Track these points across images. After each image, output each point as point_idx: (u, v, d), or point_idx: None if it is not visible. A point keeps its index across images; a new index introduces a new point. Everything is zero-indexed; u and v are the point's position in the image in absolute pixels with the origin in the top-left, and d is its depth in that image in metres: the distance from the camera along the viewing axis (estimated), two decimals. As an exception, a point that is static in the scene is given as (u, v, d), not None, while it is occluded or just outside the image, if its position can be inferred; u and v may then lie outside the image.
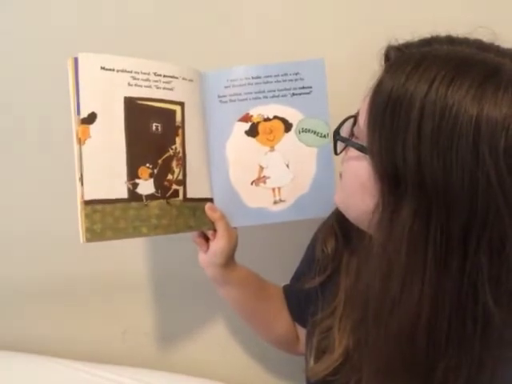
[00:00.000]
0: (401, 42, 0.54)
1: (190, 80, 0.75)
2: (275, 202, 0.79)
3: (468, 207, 0.46)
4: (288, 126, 0.78)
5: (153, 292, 0.76)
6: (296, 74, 0.78)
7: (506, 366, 0.50)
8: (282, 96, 0.78)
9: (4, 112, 0.95)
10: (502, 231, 0.46)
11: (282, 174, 0.79)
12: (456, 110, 0.45)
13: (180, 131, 0.74)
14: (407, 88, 0.48)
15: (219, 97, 0.78)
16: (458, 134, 0.45)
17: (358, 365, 0.59)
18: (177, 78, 0.73)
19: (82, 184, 0.65)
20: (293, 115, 0.78)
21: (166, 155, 0.72)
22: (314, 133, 0.78)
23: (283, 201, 0.79)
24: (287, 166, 0.79)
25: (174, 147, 0.73)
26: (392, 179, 0.50)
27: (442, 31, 0.53)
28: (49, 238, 0.97)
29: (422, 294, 0.49)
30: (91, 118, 0.67)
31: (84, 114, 0.66)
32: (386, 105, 0.49)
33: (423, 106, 0.46)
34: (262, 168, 0.79)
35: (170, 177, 0.73)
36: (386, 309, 0.52)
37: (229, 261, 0.77)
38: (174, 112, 0.73)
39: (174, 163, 0.73)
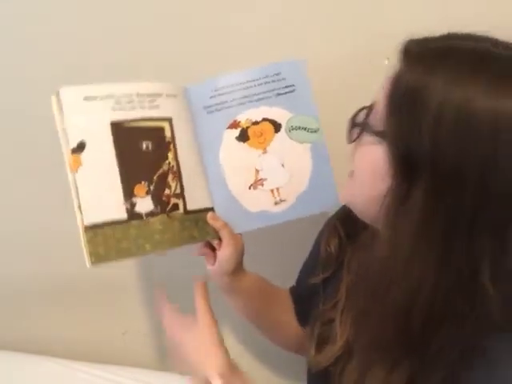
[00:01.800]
0: (420, 36, 0.55)
1: (174, 95, 0.76)
2: (276, 203, 0.79)
3: (479, 192, 0.47)
4: (277, 127, 0.78)
5: (153, 293, 0.78)
6: (277, 75, 0.78)
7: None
8: (268, 98, 0.78)
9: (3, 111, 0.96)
10: (508, 216, 0.48)
11: (278, 175, 0.79)
12: (475, 102, 0.47)
13: (171, 146, 0.75)
14: (428, 79, 0.49)
15: (205, 108, 0.79)
16: (477, 125, 0.46)
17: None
18: (161, 95, 0.75)
19: (81, 211, 0.67)
20: (281, 115, 0.78)
21: (160, 171, 0.74)
22: (305, 129, 0.78)
23: (284, 200, 0.79)
24: (282, 165, 0.79)
25: (167, 162, 0.74)
26: (406, 163, 0.51)
27: (440, 30, 0.55)
28: (49, 238, 0.98)
29: (424, 272, 0.50)
30: (80, 147, 0.69)
31: (73, 144, 0.68)
32: (405, 93, 0.51)
33: (443, 96, 0.48)
34: (257, 171, 0.79)
35: (167, 191, 0.74)
36: (384, 286, 0.52)
37: (238, 268, 0.77)
38: (162, 128, 0.75)
39: (170, 177, 0.74)
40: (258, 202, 0.79)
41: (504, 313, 0.49)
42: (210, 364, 0.63)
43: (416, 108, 0.49)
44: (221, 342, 0.66)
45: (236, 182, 0.79)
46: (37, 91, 0.82)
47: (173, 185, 0.74)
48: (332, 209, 0.80)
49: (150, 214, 0.72)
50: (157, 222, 0.72)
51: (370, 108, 0.59)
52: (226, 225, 0.76)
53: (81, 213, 0.67)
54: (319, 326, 0.73)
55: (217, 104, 0.79)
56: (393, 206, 0.53)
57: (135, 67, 0.91)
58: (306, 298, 0.79)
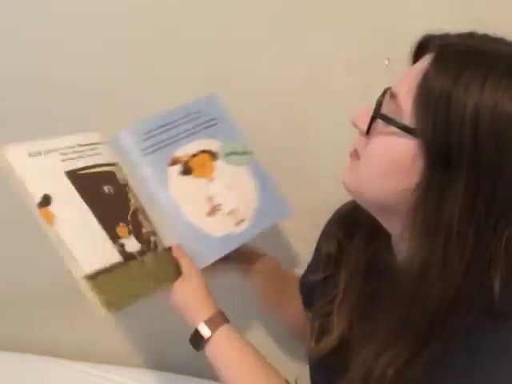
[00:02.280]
0: (438, 32, 0.57)
1: (109, 142, 0.74)
2: (236, 224, 0.79)
3: None
4: (214, 155, 0.81)
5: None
6: (198, 112, 0.82)
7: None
8: (197, 132, 0.81)
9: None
10: None
11: (229, 198, 0.80)
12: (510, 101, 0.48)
13: (128, 188, 0.71)
14: (462, 80, 0.49)
15: (142, 150, 0.77)
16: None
17: (356, 345, 0.62)
18: (100, 143, 0.72)
19: (78, 261, 0.58)
20: (213, 145, 0.82)
21: (131, 211, 0.69)
22: (236, 153, 0.83)
23: (242, 220, 0.80)
24: (230, 189, 0.81)
25: (132, 203, 0.70)
26: (443, 159, 0.50)
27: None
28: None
29: (459, 266, 0.51)
30: (46, 200, 0.61)
31: (37, 198, 0.60)
32: (441, 93, 0.50)
33: (479, 98, 0.48)
34: (210, 198, 0.79)
35: (144, 230, 0.69)
36: (422, 284, 0.53)
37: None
38: (113, 173, 0.71)
39: (141, 217, 0.70)
40: (220, 227, 0.78)
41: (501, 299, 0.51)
42: (198, 314, 0.67)
43: (454, 109, 0.49)
44: (208, 293, 0.69)
45: (194, 213, 0.77)
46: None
47: (145, 223, 0.70)
48: (289, 215, 0.83)
49: (141, 253, 0.66)
50: (149, 260, 0.67)
51: (387, 96, 0.57)
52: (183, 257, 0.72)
53: (78, 263, 0.58)
54: (319, 318, 0.74)
55: (152, 145, 0.77)
56: (427, 202, 0.52)
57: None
58: (309, 293, 0.80)
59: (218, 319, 0.68)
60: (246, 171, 0.82)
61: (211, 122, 0.82)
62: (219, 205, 0.79)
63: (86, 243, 0.61)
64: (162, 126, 0.79)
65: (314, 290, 0.78)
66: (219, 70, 0.89)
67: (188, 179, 0.78)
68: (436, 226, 0.51)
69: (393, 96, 0.56)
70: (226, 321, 0.69)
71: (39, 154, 0.64)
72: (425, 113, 0.51)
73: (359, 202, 0.63)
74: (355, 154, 0.61)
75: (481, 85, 0.49)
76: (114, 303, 0.59)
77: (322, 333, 0.72)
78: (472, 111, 0.48)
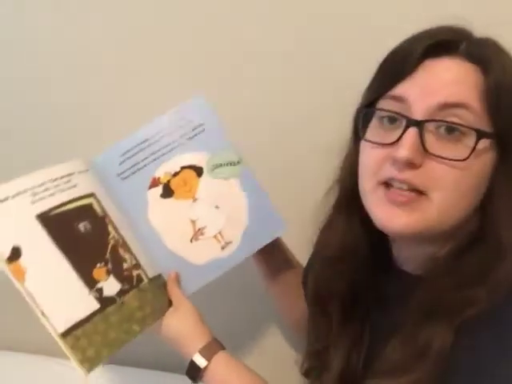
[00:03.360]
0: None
1: (86, 170, 0.70)
2: (223, 248, 0.74)
3: None
4: (199, 171, 0.75)
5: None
6: (182, 120, 0.75)
7: None
8: (180, 145, 0.74)
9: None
10: None
11: (215, 219, 0.74)
12: None
13: (107, 219, 0.68)
14: None
15: (119, 175, 0.73)
16: None
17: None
18: (72, 173, 0.68)
19: (48, 319, 0.57)
20: (198, 158, 0.75)
21: (110, 247, 0.66)
22: (227, 164, 0.75)
23: (230, 242, 0.74)
24: (217, 207, 0.75)
25: (111, 236, 0.67)
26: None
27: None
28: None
29: None
30: (16, 253, 0.59)
31: (6, 253, 0.58)
32: (506, 91, 0.53)
33: None
34: (193, 222, 0.74)
35: (125, 265, 0.67)
36: None
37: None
38: (90, 205, 0.68)
39: (121, 251, 0.67)
40: (204, 253, 0.74)
41: None
42: (192, 343, 0.66)
43: None
44: (201, 321, 0.68)
45: (175, 240, 0.73)
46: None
47: (127, 257, 0.67)
48: (281, 233, 0.78)
49: (121, 294, 0.64)
50: (131, 300, 0.64)
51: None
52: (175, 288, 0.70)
53: (48, 321, 0.57)
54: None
55: (129, 168, 0.73)
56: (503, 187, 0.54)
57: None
58: None
59: (213, 347, 0.66)
60: (236, 184, 0.75)
61: (197, 130, 0.75)
62: (204, 228, 0.74)
63: (59, 297, 0.59)
64: (142, 142, 0.74)
65: None
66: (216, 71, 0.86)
67: (169, 202, 0.74)
68: None
69: (453, 106, 0.53)
70: (221, 347, 0.67)
71: (6, 199, 0.61)
72: (503, 114, 0.53)
73: (418, 238, 0.57)
74: (413, 193, 0.54)
75: None
76: (90, 359, 0.58)
77: (318, 368, 0.68)
78: None
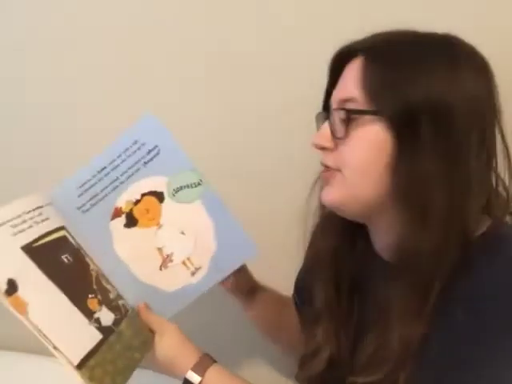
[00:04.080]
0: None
1: (50, 203, 0.67)
2: (193, 273, 0.74)
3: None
4: (160, 196, 0.73)
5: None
6: (136, 143, 0.72)
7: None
8: (137, 171, 0.72)
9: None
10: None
11: (182, 245, 0.73)
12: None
13: (82, 251, 0.66)
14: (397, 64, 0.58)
15: (79, 208, 0.71)
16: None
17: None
18: (42, 206, 0.65)
19: (61, 352, 0.53)
20: (158, 183, 0.73)
21: (94, 279, 0.64)
22: (188, 187, 0.73)
23: (199, 268, 0.74)
24: (183, 233, 0.73)
25: (91, 268, 0.66)
26: (408, 120, 0.56)
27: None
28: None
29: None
30: (13, 286, 0.54)
31: (3, 286, 0.53)
32: (390, 67, 0.58)
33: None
34: (160, 249, 0.73)
35: (111, 296, 0.65)
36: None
37: (252, 287, 0.81)
38: (65, 237, 0.65)
39: (104, 282, 0.66)
40: (174, 280, 0.73)
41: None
42: (184, 363, 0.66)
43: (402, 85, 0.57)
44: (187, 341, 0.68)
45: (143, 269, 0.72)
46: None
47: (109, 288, 0.66)
48: (254, 255, 0.76)
49: (116, 323, 0.62)
50: (125, 329, 0.63)
51: (334, 109, 0.62)
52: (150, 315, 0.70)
53: (62, 354, 0.53)
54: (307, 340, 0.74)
55: (88, 200, 0.71)
56: (404, 166, 0.56)
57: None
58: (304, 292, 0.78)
59: (205, 362, 0.67)
60: (200, 207, 0.73)
61: (152, 153, 0.72)
62: (171, 254, 0.74)
63: (66, 329, 0.56)
64: (99, 171, 0.71)
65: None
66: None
67: (134, 231, 0.73)
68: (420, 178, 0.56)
69: (344, 101, 0.61)
70: (213, 361, 0.68)
71: (-13, 233, 0.56)
72: (380, 90, 0.58)
73: (349, 213, 0.64)
74: (330, 171, 0.62)
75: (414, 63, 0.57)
76: (111, 387, 0.55)
77: (310, 354, 0.71)
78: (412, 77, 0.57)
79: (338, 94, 0.63)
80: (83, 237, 0.69)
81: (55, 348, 0.53)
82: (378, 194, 0.59)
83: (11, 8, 0.92)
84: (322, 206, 0.71)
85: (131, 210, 0.73)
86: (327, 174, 0.63)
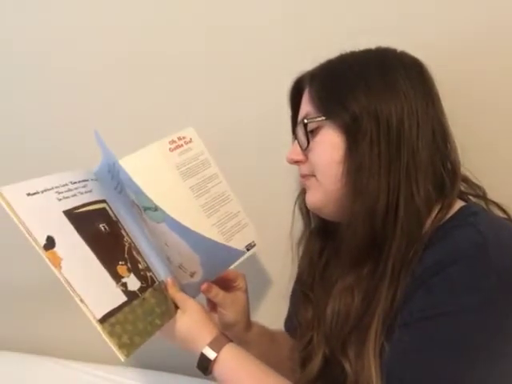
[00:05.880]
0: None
1: (96, 179, 0.74)
2: (191, 275, 0.76)
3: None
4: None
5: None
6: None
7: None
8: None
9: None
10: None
11: (170, 254, 0.74)
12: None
13: (119, 224, 0.72)
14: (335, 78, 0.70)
15: (115, 188, 0.75)
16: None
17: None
18: (87, 180, 0.71)
19: (87, 305, 0.58)
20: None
21: (126, 249, 0.69)
22: (149, 209, 0.70)
23: (194, 272, 0.76)
24: (166, 245, 0.73)
25: (125, 240, 0.71)
26: (351, 127, 0.66)
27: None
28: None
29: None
30: (51, 242, 0.60)
31: (42, 241, 0.59)
32: (328, 84, 0.70)
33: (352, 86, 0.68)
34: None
35: (140, 266, 0.70)
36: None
37: (244, 323, 0.82)
38: (104, 209, 0.71)
39: (135, 253, 0.71)
40: (180, 277, 0.77)
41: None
42: (201, 339, 0.70)
43: (346, 86, 0.68)
44: (208, 319, 0.72)
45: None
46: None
47: (140, 259, 0.71)
48: (241, 257, 0.80)
49: (142, 290, 0.67)
50: (149, 297, 0.68)
51: (297, 119, 0.74)
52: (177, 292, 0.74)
53: (87, 307, 0.58)
54: (301, 347, 0.79)
55: (117, 185, 0.74)
56: (353, 155, 0.66)
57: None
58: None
59: (221, 340, 0.70)
60: (167, 228, 0.70)
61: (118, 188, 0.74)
62: (169, 257, 0.75)
63: (93, 286, 0.61)
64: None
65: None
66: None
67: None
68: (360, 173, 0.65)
69: (302, 119, 0.71)
70: (229, 340, 0.71)
71: (36, 193, 0.63)
72: (325, 105, 0.69)
73: (328, 213, 0.73)
74: (306, 177, 0.74)
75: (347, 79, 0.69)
76: (126, 346, 0.59)
77: (304, 360, 0.77)
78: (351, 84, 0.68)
79: (299, 117, 0.75)
80: (121, 214, 0.75)
81: (82, 301, 0.58)
82: (341, 187, 0.67)
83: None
84: (305, 215, 0.84)
85: None
86: (304, 179, 0.75)
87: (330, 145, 0.68)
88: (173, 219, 0.68)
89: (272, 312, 0.91)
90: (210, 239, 0.70)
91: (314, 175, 0.72)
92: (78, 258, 0.62)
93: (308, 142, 0.71)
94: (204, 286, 0.76)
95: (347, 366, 0.68)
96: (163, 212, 0.68)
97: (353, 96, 0.66)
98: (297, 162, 0.75)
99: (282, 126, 0.83)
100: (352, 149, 0.66)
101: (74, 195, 0.67)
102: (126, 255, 0.68)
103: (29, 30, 1.00)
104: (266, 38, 0.90)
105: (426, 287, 0.60)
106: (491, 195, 0.73)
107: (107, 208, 0.72)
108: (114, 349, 0.58)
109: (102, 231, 0.68)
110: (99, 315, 0.59)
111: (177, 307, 0.72)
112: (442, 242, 0.62)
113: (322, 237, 0.82)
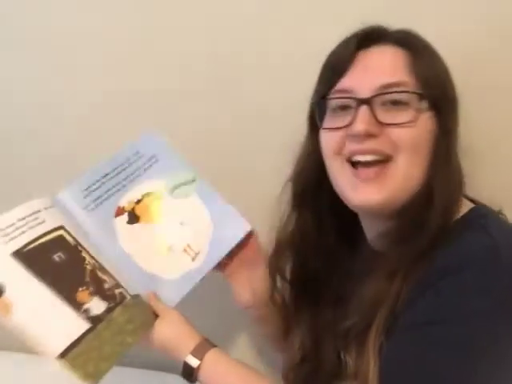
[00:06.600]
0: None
1: (51, 206, 0.73)
2: (193, 259, 0.78)
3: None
4: (159, 196, 0.80)
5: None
6: (136, 154, 0.81)
7: None
8: (137, 176, 0.80)
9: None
10: None
11: (181, 235, 0.79)
12: None
13: (80, 247, 0.71)
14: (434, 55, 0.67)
15: (84, 208, 0.76)
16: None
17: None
18: (39, 211, 0.71)
19: (43, 344, 0.59)
20: (157, 184, 0.80)
21: (88, 272, 0.69)
22: (184, 184, 0.81)
23: (198, 253, 0.78)
24: (182, 224, 0.79)
25: (87, 262, 0.70)
26: (443, 106, 0.64)
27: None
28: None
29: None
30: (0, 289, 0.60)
31: None
32: (427, 62, 0.65)
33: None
34: (162, 242, 0.78)
35: (106, 285, 0.69)
36: None
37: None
38: (62, 236, 0.70)
39: (100, 273, 0.70)
40: (177, 267, 0.77)
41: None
42: (183, 347, 0.68)
43: (438, 62, 0.66)
44: (189, 325, 0.70)
45: (148, 260, 0.76)
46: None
47: (106, 278, 0.70)
48: (246, 232, 0.81)
49: (108, 311, 0.66)
50: (119, 315, 0.67)
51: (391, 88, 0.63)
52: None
53: (45, 346, 0.59)
54: None
55: (94, 200, 0.77)
56: (444, 138, 0.64)
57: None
58: None
59: (204, 347, 0.69)
60: (196, 199, 0.81)
61: (151, 161, 0.82)
62: (172, 245, 0.78)
63: (50, 324, 0.61)
64: (103, 176, 0.78)
65: None
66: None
67: (136, 227, 0.78)
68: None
69: (388, 86, 0.62)
70: (212, 346, 0.70)
71: (-21, 243, 0.63)
72: (427, 82, 0.63)
73: (388, 209, 0.64)
74: (378, 166, 0.63)
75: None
76: (92, 374, 0.60)
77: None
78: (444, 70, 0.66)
79: (376, 80, 0.63)
80: (88, 233, 0.74)
81: (39, 343, 0.59)
82: (423, 174, 0.63)
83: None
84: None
85: (133, 208, 0.79)
86: (374, 169, 0.63)
87: (422, 122, 0.63)
88: (206, 185, 0.81)
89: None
90: (229, 206, 0.80)
91: (389, 157, 0.63)
92: (31, 299, 0.62)
93: (396, 116, 0.62)
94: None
95: (348, 359, 0.66)
96: (199, 181, 0.81)
97: (449, 80, 0.65)
98: (369, 136, 0.62)
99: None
100: (443, 132, 0.64)
101: (23, 232, 0.67)
102: (86, 279, 0.68)
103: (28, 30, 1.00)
104: (267, 37, 0.89)
105: (435, 289, 0.56)
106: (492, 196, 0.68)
107: (64, 234, 0.71)
108: (79, 381, 0.58)
109: (57, 261, 0.67)
110: (59, 350, 0.59)
111: (156, 317, 0.71)
112: (453, 244, 0.58)
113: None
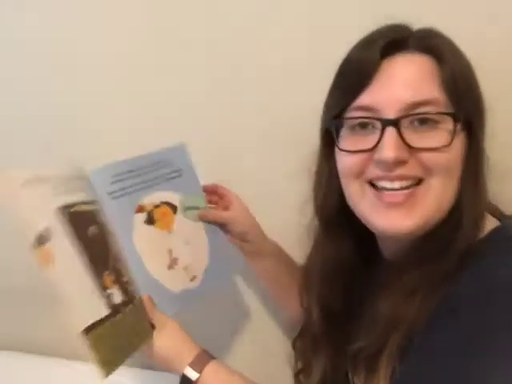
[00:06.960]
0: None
1: (88, 178, 0.69)
2: (191, 280, 0.79)
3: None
4: (174, 208, 0.81)
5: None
6: (166, 161, 0.82)
7: None
8: (161, 182, 0.80)
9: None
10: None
11: (185, 253, 0.80)
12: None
13: (106, 229, 0.67)
14: (463, 63, 0.59)
15: (109, 194, 0.74)
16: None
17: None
18: (82, 178, 0.67)
19: (72, 312, 0.54)
20: (174, 198, 0.82)
21: (112, 257, 0.65)
22: (195, 208, 0.83)
23: (195, 276, 0.80)
24: (187, 244, 0.81)
25: (112, 248, 0.66)
26: (475, 126, 0.59)
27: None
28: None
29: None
30: (43, 237, 0.55)
31: (34, 234, 0.55)
32: (460, 79, 0.57)
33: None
34: (169, 251, 0.78)
35: (124, 278, 0.66)
36: None
37: (255, 235, 0.83)
38: (97, 211, 0.67)
39: (120, 264, 0.66)
40: (177, 281, 0.77)
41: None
42: (182, 359, 0.66)
43: (472, 84, 0.59)
44: (187, 337, 0.68)
45: (155, 265, 0.76)
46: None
47: (123, 270, 0.67)
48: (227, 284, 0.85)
49: (124, 305, 0.63)
50: (130, 314, 0.63)
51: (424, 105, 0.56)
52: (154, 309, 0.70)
53: (73, 316, 0.54)
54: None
55: (120, 189, 0.75)
56: (473, 159, 0.59)
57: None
58: None
59: (203, 359, 0.67)
60: (201, 227, 0.83)
61: (176, 174, 0.83)
62: (177, 259, 0.79)
63: (79, 292, 0.57)
64: (131, 170, 0.77)
65: None
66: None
67: (151, 229, 0.78)
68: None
69: (418, 105, 0.56)
70: (211, 358, 0.68)
71: (31, 184, 0.58)
72: (463, 98, 0.57)
73: (421, 232, 0.59)
74: (409, 190, 0.57)
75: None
76: (108, 363, 0.55)
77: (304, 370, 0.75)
78: (472, 74, 0.59)
79: (404, 97, 0.56)
80: (108, 220, 0.71)
81: (68, 309, 0.54)
82: (454, 195, 0.58)
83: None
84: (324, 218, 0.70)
85: (151, 210, 0.78)
86: (403, 193, 0.57)
87: (456, 143, 0.57)
88: None
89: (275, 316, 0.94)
90: (228, 244, 0.84)
91: (420, 181, 0.57)
92: (69, 258, 0.57)
93: (425, 139, 0.56)
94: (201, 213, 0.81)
95: (357, 381, 0.63)
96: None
97: (477, 93, 0.59)
98: (399, 163, 0.56)
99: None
100: (474, 152, 0.59)
101: (68, 192, 0.63)
102: (110, 264, 0.64)
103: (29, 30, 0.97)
104: (267, 38, 0.89)
105: (456, 317, 0.51)
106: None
107: (99, 210, 0.67)
108: (96, 365, 0.53)
109: (92, 234, 0.63)
110: (84, 325, 0.54)
111: (153, 327, 0.68)
112: (479, 267, 0.54)
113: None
